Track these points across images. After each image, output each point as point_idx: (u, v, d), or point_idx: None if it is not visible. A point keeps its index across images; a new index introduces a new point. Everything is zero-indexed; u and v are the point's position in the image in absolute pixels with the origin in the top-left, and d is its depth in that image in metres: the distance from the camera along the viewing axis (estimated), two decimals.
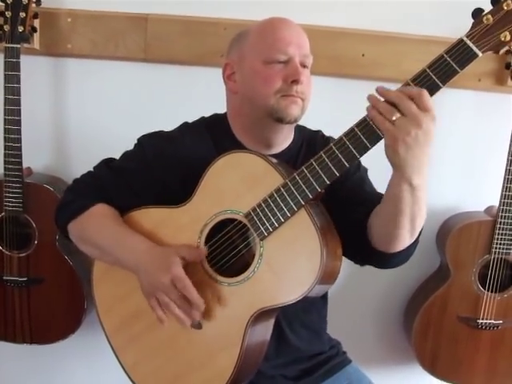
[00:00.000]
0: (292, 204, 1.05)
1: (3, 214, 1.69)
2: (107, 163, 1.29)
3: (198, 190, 1.16)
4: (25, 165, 1.75)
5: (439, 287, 1.70)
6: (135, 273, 1.15)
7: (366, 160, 1.14)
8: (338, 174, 1.02)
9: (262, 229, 1.07)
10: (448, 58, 0.95)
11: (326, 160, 1.02)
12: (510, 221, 1.62)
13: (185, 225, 1.16)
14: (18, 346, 1.79)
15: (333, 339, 1.44)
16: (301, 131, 1.33)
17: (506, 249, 1.64)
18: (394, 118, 0.93)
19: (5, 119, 1.64)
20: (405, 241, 1.09)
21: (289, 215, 1.05)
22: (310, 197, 1.04)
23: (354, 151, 1.00)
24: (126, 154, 1.29)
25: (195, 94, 1.74)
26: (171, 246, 1.14)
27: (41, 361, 1.92)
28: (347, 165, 1.01)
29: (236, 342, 1.09)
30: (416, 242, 1.13)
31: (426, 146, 0.94)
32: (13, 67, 1.61)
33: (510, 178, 1.61)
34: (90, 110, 1.80)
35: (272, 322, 1.15)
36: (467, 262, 1.66)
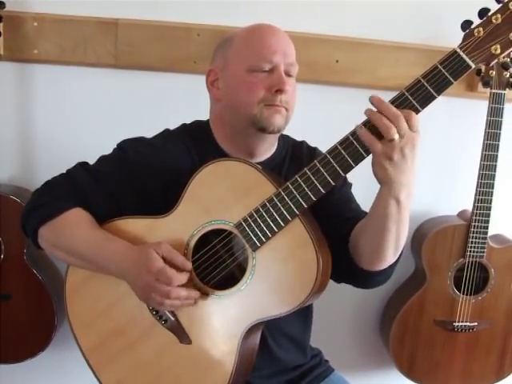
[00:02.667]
0: (286, 213, 1.03)
1: None
2: (83, 166, 1.22)
3: (182, 199, 1.12)
4: None
5: (415, 292, 1.71)
6: (122, 279, 1.10)
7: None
8: (333, 183, 1.01)
9: (255, 239, 1.05)
10: (442, 69, 0.96)
11: (321, 169, 1.01)
12: (483, 224, 1.66)
13: (170, 236, 1.11)
14: None
15: (314, 348, 1.43)
16: (285, 140, 1.32)
17: (480, 252, 1.67)
18: (392, 138, 0.93)
19: None
20: (389, 259, 1.10)
21: (283, 225, 1.03)
22: (305, 206, 1.02)
23: (349, 160, 1.00)
24: (104, 158, 1.23)
25: (168, 101, 1.70)
26: (147, 244, 1.09)
27: (9, 380, 1.82)
28: (342, 174, 1.01)
29: (229, 356, 1.06)
30: (397, 261, 1.14)
31: (412, 163, 0.96)
32: None
33: (483, 183, 1.64)
34: (57, 118, 1.73)
35: (260, 332, 1.13)
36: (443, 265, 1.69)
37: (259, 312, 1.05)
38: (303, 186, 1.02)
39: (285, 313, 1.04)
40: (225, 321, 1.07)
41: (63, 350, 1.67)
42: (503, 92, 1.62)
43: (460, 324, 1.71)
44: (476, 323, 1.72)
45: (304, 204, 1.02)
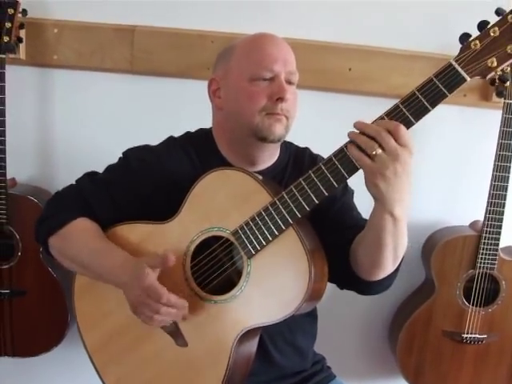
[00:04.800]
0: (280, 223, 1.05)
1: None
2: (90, 176, 1.27)
3: (184, 205, 1.15)
4: (9, 176, 1.73)
5: (424, 301, 1.70)
6: (121, 289, 1.13)
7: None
8: (326, 194, 1.03)
9: (250, 247, 1.07)
10: (437, 82, 0.96)
11: (315, 179, 1.03)
12: (494, 236, 1.63)
13: (170, 241, 1.15)
14: (1, 359, 1.77)
15: (317, 354, 1.44)
16: (288, 148, 1.33)
17: (491, 263, 1.65)
18: (374, 153, 0.94)
19: None
20: (387, 269, 1.11)
21: (277, 234, 1.05)
22: (299, 216, 1.04)
23: (343, 171, 1.01)
24: (110, 168, 1.27)
25: (181, 107, 1.73)
26: (142, 258, 1.12)
27: (23, 374, 1.89)
28: (336, 185, 1.02)
29: (222, 360, 1.08)
30: (397, 270, 1.14)
31: (405, 178, 0.95)
32: None
33: (495, 194, 1.62)
34: (75, 122, 1.79)
35: (257, 339, 1.15)
36: (452, 276, 1.67)
37: (252, 318, 1.07)
38: (297, 195, 1.04)
39: (277, 320, 1.05)
40: (219, 326, 1.10)
41: (76, 345, 1.67)
42: None
43: (469, 336, 1.69)
44: (485, 335, 1.69)
45: (298, 214, 1.04)
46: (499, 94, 1.62)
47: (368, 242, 1.08)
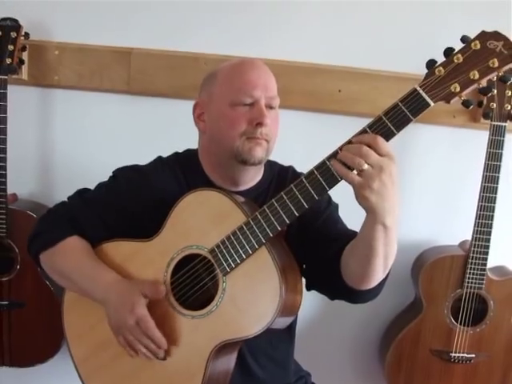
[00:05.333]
0: (254, 242, 1.08)
1: None
2: (81, 194, 1.32)
3: (166, 224, 1.20)
4: (11, 191, 1.80)
5: (412, 320, 1.72)
6: (103, 306, 1.18)
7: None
8: (297, 214, 1.06)
9: (225, 265, 1.11)
10: (403, 107, 1.00)
11: (287, 200, 1.06)
12: (482, 256, 1.65)
13: (153, 258, 1.20)
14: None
15: (302, 370, 1.47)
16: (272, 167, 1.36)
17: (479, 283, 1.66)
18: (361, 169, 0.96)
19: None
20: (378, 278, 1.12)
21: (250, 252, 1.09)
22: (271, 235, 1.08)
23: (312, 192, 1.04)
24: (100, 186, 1.33)
25: (176, 126, 1.78)
26: (136, 282, 1.18)
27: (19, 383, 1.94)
28: (306, 205, 1.05)
29: (198, 374, 1.12)
30: (386, 277, 1.15)
31: (391, 187, 0.97)
32: (0, 97, 1.66)
33: (482, 214, 1.64)
34: (74, 140, 1.86)
35: (235, 354, 1.19)
36: (440, 295, 1.69)
37: (227, 333, 1.10)
38: (270, 215, 1.08)
39: (252, 334, 1.08)
40: (196, 340, 1.13)
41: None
42: (504, 124, 1.62)
43: (457, 355, 1.70)
44: (474, 355, 1.70)
45: (270, 233, 1.07)
46: (485, 116, 1.64)
47: (360, 253, 1.09)
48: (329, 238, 1.22)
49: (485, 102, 1.65)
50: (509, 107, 1.62)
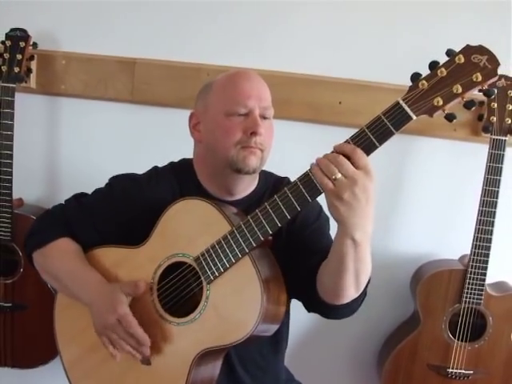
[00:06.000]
0: (237, 251, 1.10)
1: None
2: (77, 198, 1.35)
3: (154, 231, 1.22)
4: (19, 196, 1.85)
5: (410, 333, 1.70)
6: (89, 308, 1.21)
7: None
8: (279, 225, 1.07)
9: (209, 273, 1.12)
10: (385, 120, 1.00)
11: (270, 211, 1.07)
12: (480, 271, 1.63)
13: (140, 265, 1.22)
14: (1, 369, 1.86)
15: (294, 380, 1.47)
16: (267, 178, 1.38)
17: (477, 299, 1.64)
18: (334, 177, 0.97)
19: None
20: (349, 295, 1.12)
21: (233, 261, 1.10)
22: (254, 245, 1.09)
23: (295, 203, 1.05)
24: (96, 192, 1.36)
25: (178, 135, 1.79)
26: (117, 283, 1.20)
27: None
28: (288, 216, 1.06)
29: (181, 380, 1.14)
30: (361, 296, 1.16)
31: (366, 203, 0.97)
32: (7, 105, 1.71)
33: (482, 228, 1.62)
34: (80, 147, 1.90)
35: (219, 361, 1.20)
36: (437, 309, 1.67)
37: (209, 341, 1.11)
38: (253, 225, 1.09)
39: (234, 342, 1.09)
40: (179, 347, 1.15)
41: None
42: (504, 138, 1.61)
43: (454, 371, 1.68)
44: (472, 371, 1.67)
45: (253, 243, 1.09)
46: (485, 130, 1.63)
47: (331, 267, 1.10)
48: (311, 251, 1.23)
49: (485, 115, 1.64)
50: (509, 121, 1.60)
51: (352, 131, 1.85)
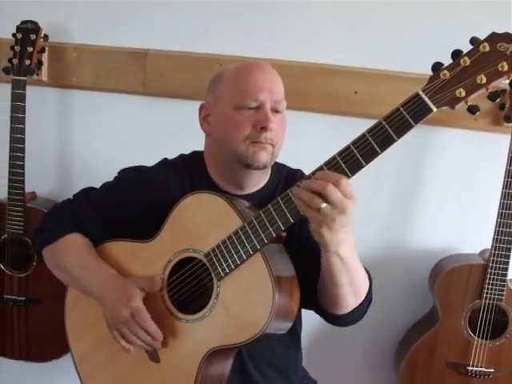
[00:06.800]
0: (248, 247, 1.06)
1: (5, 235, 1.77)
2: (85, 192, 1.33)
3: (165, 225, 1.19)
4: (32, 189, 1.84)
5: (428, 330, 1.66)
6: (99, 302, 1.19)
7: None
8: (292, 221, 1.03)
9: (220, 269, 1.09)
10: (404, 112, 0.95)
11: (282, 206, 1.03)
12: (502, 266, 1.57)
13: (150, 260, 1.19)
14: (16, 362, 1.87)
15: (309, 378, 1.44)
16: (279, 170, 1.34)
17: (498, 295, 1.59)
18: (319, 207, 0.93)
19: (10, 146, 1.73)
20: (348, 305, 1.11)
21: (245, 258, 1.07)
22: (266, 241, 1.05)
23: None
24: (104, 186, 1.34)
25: (190, 127, 1.77)
26: (132, 277, 1.18)
27: (35, 378, 1.99)
28: (302, 212, 1.02)
29: (190, 378, 1.11)
30: (365, 302, 1.14)
31: (348, 225, 0.96)
32: (19, 98, 1.70)
33: (503, 222, 1.57)
34: (92, 139, 1.88)
35: (230, 360, 1.17)
36: (457, 305, 1.62)
37: (219, 339, 1.09)
38: (265, 221, 1.05)
39: (244, 342, 1.05)
40: (189, 344, 1.12)
41: None
42: None
43: (474, 369, 1.63)
44: (492, 370, 1.62)
45: (265, 239, 1.05)
46: (507, 119, 1.57)
47: (325, 282, 1.09)
48: (316, 254, 1.16)
49: (507, 104, 1.58)
50: None
51: (368, 122, 1.80)
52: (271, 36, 1.73)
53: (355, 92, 1.71)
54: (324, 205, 0.93)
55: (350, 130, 1.77)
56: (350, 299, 1.09)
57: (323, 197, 0.93)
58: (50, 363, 1.85)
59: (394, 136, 0.96)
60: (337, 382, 1.79)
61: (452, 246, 1.77)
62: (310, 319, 1.37)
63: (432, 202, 1.78)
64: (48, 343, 1.83)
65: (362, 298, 1.11)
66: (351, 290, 1.07)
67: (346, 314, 1.12)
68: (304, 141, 1.71)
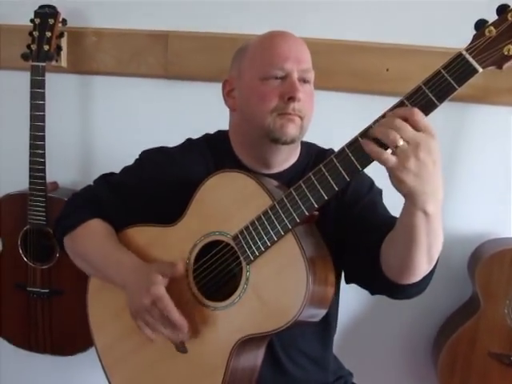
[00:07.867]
0: (279, 227, 1.00)
1: (28, 226, 1.73)
2: (105, 178, 1.29)
3: (189, 208, 1.13)
4: (54, 179, 1.80)
5: (468, 319, 1.56)
6: (123, 290, 1.13)
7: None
8: (326, 198, 0.96)
9: (249, 252, 1.03)
10: (445, 74, 0.88)
11: (315, 182, 0.97)
12: None
13: (175, 244, 1.13)
14: (40, 356, 1.83)
15: (344, 369, 1.37)
16: (309, 149, 1.27)
17: None
18: (395, 145, 0.84)
19: (30, 135, 1.68)
20: (421, 272, 0.99)
21: (275, 239, 1.00)
22: (298, 220, 0.98)
23: (343, 173, 0.94)
24: (125, 170, 1.29)
25: (214, 110, 1.70)
26: (154, 264, 1.11)
27: (62, 372, 1.96)
28: (336, 188, 0.95)
29: (219, 369, 1.05)
30: (433, 271, 1.03)
31: (433, 166, 0.85)
32: (38, 85, 1.65)
33: None
34: (114, 126, 1.83)
35: (262, 350, 1.10)
36: (499, 293, 1.53)
37: (250, 327, 1.02)
38: (297, 199, 0.99)
39: (276, 329, 0.99)
40: (218, 333, 1.06)
41: None
42: None
43: None
44: None
45: (297, 218, 0.98)
46: None
47: (399, 243, 0.97)
48: (368, 227, 1.11)
49: None
50: None
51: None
52: (295, 13, 1.66)
53: (387, 69, 1.62)
54: (401, 142, 0.83)
55: (382, 109, 1.70)
56: (424, 265, 0.97)
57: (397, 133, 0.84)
58: (76, 357, 1.80)
59: (436, 101, 0.88)
60: (371, 374, 1.70)
61: (491, 230, 1.67)
62: (342, 307, 1.30)
63: (469, 185, 1.68)
64: (73, 336, 1.78)
65: (431, 267, 1.00)
66: (427, 254, 0.95)
67: (415, 283, 1.01)
68: (332, 122, 1.63)
